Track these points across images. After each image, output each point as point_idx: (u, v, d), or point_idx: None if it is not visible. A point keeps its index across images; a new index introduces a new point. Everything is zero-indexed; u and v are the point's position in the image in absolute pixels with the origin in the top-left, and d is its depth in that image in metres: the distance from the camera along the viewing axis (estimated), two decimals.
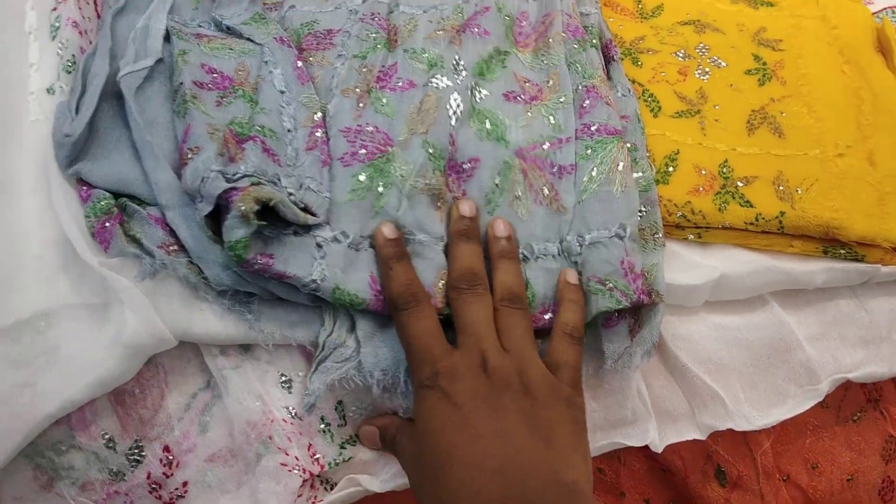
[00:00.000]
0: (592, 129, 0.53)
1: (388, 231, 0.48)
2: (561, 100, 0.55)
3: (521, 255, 0.50)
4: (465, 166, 0.52)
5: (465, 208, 0.50)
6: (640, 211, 0.52)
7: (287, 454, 0.48)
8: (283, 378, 0.49)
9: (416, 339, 0.45)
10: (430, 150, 0.50)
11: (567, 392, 0.45)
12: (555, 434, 0.43)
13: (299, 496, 0.48)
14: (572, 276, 0.49)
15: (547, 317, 0.48)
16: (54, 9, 0.56)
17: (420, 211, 0.49)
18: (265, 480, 0.48)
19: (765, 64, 0.62)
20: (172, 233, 0.48)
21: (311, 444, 0.49)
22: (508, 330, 0.46)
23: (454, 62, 0.55)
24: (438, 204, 0.50)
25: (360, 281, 0.46)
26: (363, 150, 0.50)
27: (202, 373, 0.49)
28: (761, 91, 0.60)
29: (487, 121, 0.54)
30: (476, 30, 0.58)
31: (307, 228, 0.48)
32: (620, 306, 0.47)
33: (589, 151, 0.52)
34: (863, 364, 0.54)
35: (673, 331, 0.52)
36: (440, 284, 0.47)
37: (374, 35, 0.57)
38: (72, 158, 0.50)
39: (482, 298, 0.47)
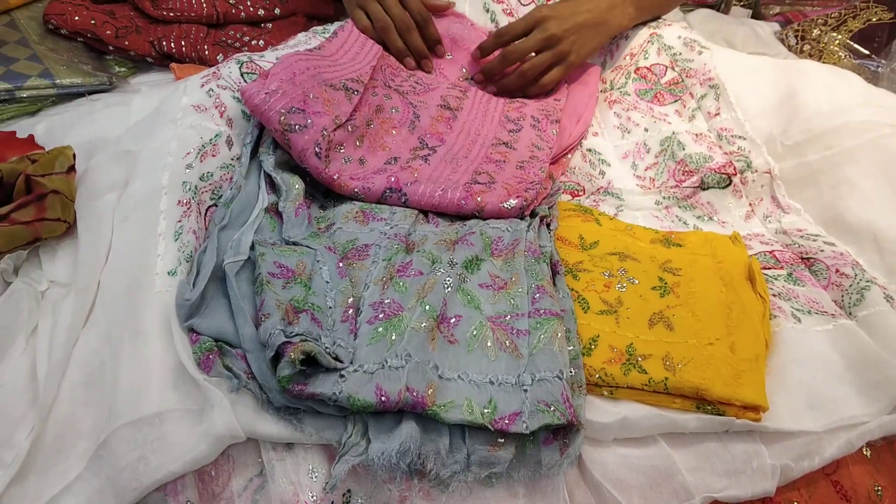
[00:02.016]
0: (540, 311, 0.78)
1: None
2: (519, 290, 0.81)
3: (488, 381, 0.72)
4: (452, 320, 0.77)
5: None
6: (571, 371, 0.75)
7: None
8: (312, 470, 0.71)
9: None
10: (427, 307, 0.76)
11: None
12: None
13: None
14: None
15: (505, 422, 0.69)
16: (178, 220, 0.84)
17: (416, 342, 0.73)
18: None
19: (666, 283, 0.88)
20: (250, 366, 0.72)
21: None
22: None
23: (450, 260, 0.83)
24: (431, 337, 0.74)
25: (368, 391, 0.69)
26: (382, 315, 0.76)
27: (258, 463, 0.71)
28: (661, 301, 0.86)
29: (469, 296, 0.79)
30: (465, 243, 0.86)
31: (336, 368, 0.72)
32: (560, 423, 0.69)
33: (538, 325, 0.77)
34: (726, 489, 0.74)
35: (591, 456, 0.74)
36: (428, 392, 0.70)
37: (396, 245, 0.84)
38: (188, 316, 0.75)
39: None
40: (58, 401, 0.71)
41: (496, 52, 1.19)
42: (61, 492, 0.67)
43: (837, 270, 0.92)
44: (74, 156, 0.91)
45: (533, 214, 0.94)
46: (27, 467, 0.68)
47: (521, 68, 1.17)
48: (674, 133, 1.12)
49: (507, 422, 0.69)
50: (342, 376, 0.71)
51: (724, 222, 1.05)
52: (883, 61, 1.49)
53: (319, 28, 1.23)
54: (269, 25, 1.42)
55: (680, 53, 1.21)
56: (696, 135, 1.12)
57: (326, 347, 0.72)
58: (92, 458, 0.68)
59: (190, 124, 0.93)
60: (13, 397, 0.72)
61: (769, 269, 0.95)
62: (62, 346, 0.75)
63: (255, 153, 0.95)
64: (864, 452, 0.78)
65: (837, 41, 1.52)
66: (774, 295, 0.90)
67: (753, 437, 0.76)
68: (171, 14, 1.36)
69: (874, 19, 1.56)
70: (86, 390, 0.72)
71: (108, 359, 0.73)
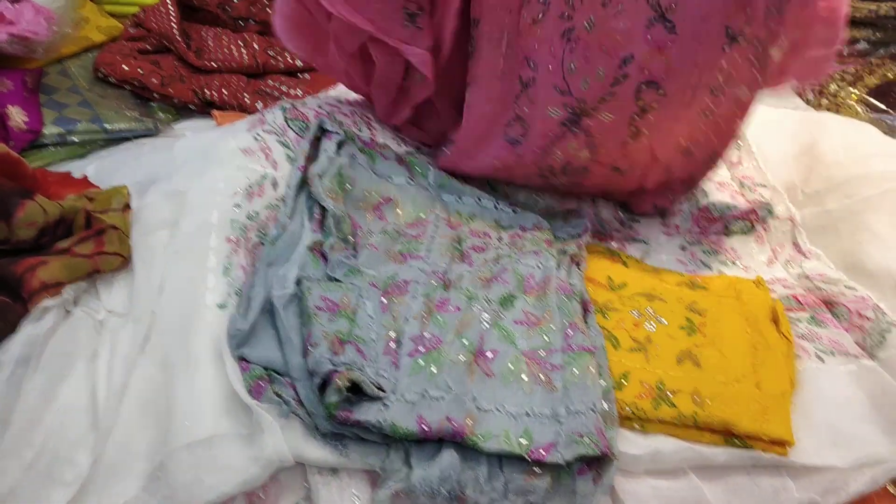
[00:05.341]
0: (574, 346, 0.82)
1: None
2: (552, 327, 0.84)
3: (524, 412, 0.75)
4: (488, 354, 0.80)
5: None
6: (603, 404, 0.78)
7: None
8: (355, 495, 0.73)
9: None
10: (465, 342, 0.79)
11: None
12: None
13: None
14: None
15: (541, 452, 0.72)
16: (227, 256, 0.88)
17: (455, 375, 0.76)
18: None
19: (693, 323, 0.91)
20: (298, 393, 0.76)
21: None
22: None
23: (485, 297, 0.86)
24: (470, 370, 0.77)
25: (411, 420, 0.72)
26: (423, 348, 0.79)
27: (304, 487, 0.74)
28: (689, 339, 0.89)
29: (504, 332, 0.83)
30: (499, 280, 0.90)
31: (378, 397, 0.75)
32: (593, 453, 0.72)
33: (571, 360, 0.80)
34: None
35: (623, 487, 0.76)
36: (468, 422, 0.73)
37: (434, 283, 0.88)
38: (239, 345, 0.79)
39: None
40: (116, 424, 0.75)
41: None
42: None
43: (859, 313, 0.95)
44: (129, 194, 0.95)
45: (562, 253, 0.98)
46: (87, 487, 0.71)
47: None
48: None
49: (542, 452, 0.72)
50: (385, 405, 0.74)
51: (747, 267, 1.08)
52: None
53: None
54: (307, 76, 1.48)
55: None
56: (719, 183, 1.16)
57: (370, 377, 0.76)
58: (149, 479, 0.71)
59: (237, 166, 0.98)
60: (74, 419, 0.75)
61: (792, 311, 0.98)
62: (120, 372, 0.78)
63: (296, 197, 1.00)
64: (890, 490, 0.81)
65: (854, 96, 1.57)
66: (798, 336, 0.93)
67: (780, 471, 0.79)
68: (214, 64, 1.43)
69: (890, 75, 1.61)
70: (142, 415, 0.76)
71: (164, 385, 0.77)
